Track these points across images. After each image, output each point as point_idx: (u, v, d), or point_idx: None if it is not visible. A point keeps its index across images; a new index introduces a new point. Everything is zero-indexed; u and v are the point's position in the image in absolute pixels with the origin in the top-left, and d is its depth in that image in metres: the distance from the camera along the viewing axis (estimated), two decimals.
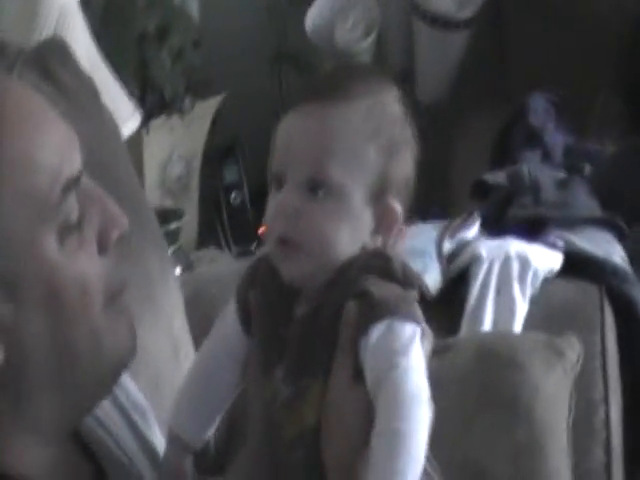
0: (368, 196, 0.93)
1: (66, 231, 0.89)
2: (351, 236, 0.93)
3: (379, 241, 0.94)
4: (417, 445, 0.86)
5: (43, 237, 0.88)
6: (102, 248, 0.92)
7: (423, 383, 0.88)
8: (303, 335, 0.93)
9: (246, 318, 0.98)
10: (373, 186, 0.93)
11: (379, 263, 0.93)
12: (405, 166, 0.95)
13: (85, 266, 0.90)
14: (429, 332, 0.93)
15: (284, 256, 0.93)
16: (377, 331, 0.89)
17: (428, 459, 0.90)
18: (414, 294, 0.93)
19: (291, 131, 0.94)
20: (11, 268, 0.87)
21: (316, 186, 0.92)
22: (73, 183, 0.90)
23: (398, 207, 0.94)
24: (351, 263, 0.93)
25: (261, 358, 0.96)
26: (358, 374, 0.90)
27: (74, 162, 0.91)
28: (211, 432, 1.04)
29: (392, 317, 0.89)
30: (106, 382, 0.96)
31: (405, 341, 0.89)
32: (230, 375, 1.01)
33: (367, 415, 0.88)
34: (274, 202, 0.93)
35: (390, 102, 0.95)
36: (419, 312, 0.92)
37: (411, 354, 0.89)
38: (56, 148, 0.89)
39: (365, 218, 0.93)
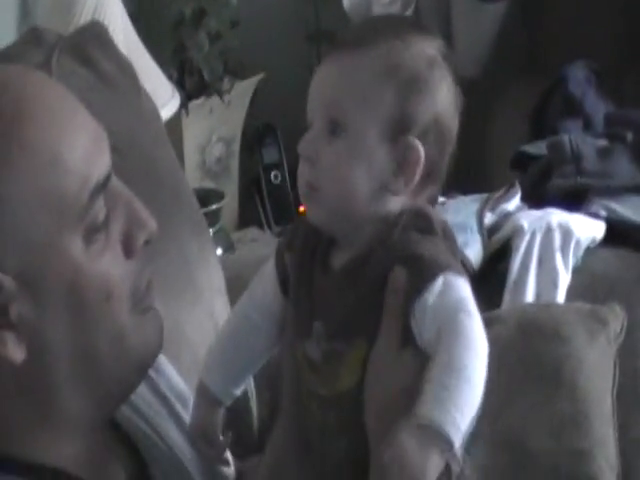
0: (384, 133, 0.93)
1: (92, 233, 0.88)
2: (367, 173, 0.93)
3: (402, 183, 0.93)
4: (479, 380, 0.86)
5: (68, 238, 0.87)
6: (128, 251, 0.91)
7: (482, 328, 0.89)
8: (340, 292, 0.94)
9: (284, 280, 0.99)
10: (390, 123, 0.93)
11: (420, 222, 0.93)
12: (431, 105, 0.93)
13: (109, 268, 0.89)
14: None
15: (308, 200, 0.95)
16: (435, 289, 0.89)
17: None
18: (453, 246, 0.95)
19: (316, 79, 0.96)
20: (34, 266, 0.87)
21: (334, 127, 0.93)
22: (101, 186, 0.89)
23: (419, 146, 0.93)
24: (393, 223, 0.93)
25: (295, 318, 0.97)
26: (405, 340, 0.90)
27: (103, 165, 0.90)
28: (241, 389, 1.04)
29: (446, 273, 0.90)
30: (131, 379, 0.96)
31: (464, 292, 0.90)
32: (265, 334, 1.02)
33: (413, 379, 0.89)
34: (301, 143, 0.95)
35: (418, 43, 0.94)
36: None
37: (472, 301, 0.90)
38: (85, 151, 0.89)
39: (380, 155, 0.93)
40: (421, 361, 0.89)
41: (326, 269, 0.95)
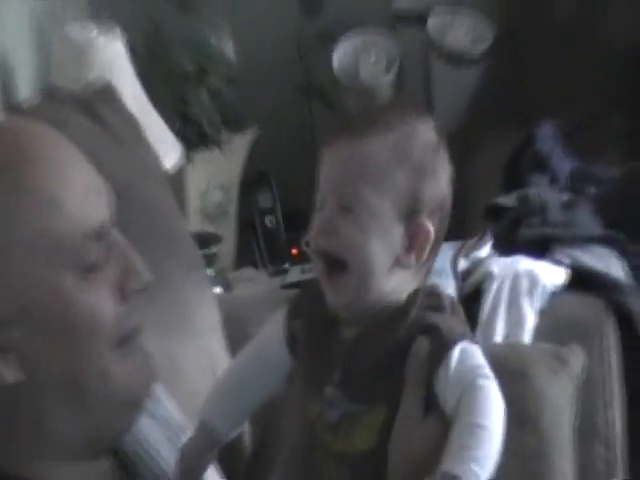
0: (399, 213, 0.93)
1: (84, 273, 0.89)
2: (383, 248, 0.93)
3: (412, 258, 0.94)
4: (497, 437, 0.87)
5: (60, 274, 0.88)
6: (120, 295, 0.91)
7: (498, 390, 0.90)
8: (356, 360, 0.94)
9: (292, 342, 0.99)
10: (404, 205, 0.93)
11: (433, 301, 0.94)
12: (437, 189, 0.94)
13: (99, 305, 0.89)
14: None
15: (330, 280, 0.94)
16: (455, 356, 0.90)
17: None
18: (462, 319, 0.96)
19: (329, 162, 0.96)
20: (28, 298, 0.87)
21: (350, 206, 0.93)
22: (97, 233, 0.90)
23: (430, 226, 0.94)
24: (410, 301, 0.94)
25: (309, 382, 0.97)
26: (429, 405, 0.91)
27: (99, 213, 0.91)
28: (236, 431, 1.04)
29: (463, 341, 0.91)
30: (122, 416, 0.95)
31: (479, 358, 0.91)
32: (266, 384, 1.02)
33: (437, 442, 0.89)
34: (315, 221, 0.95)
35: (422, 131, 0.95)
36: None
37: (487, 366, 0.90)
38: (81, 198, 0.90)
39: (395, 233, 0.93)
40: (443, 424, 0.89)
41: (337, 337, 0.96)
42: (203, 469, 1.01)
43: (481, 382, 0.88)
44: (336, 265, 0.93)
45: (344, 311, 0.95)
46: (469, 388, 0.88)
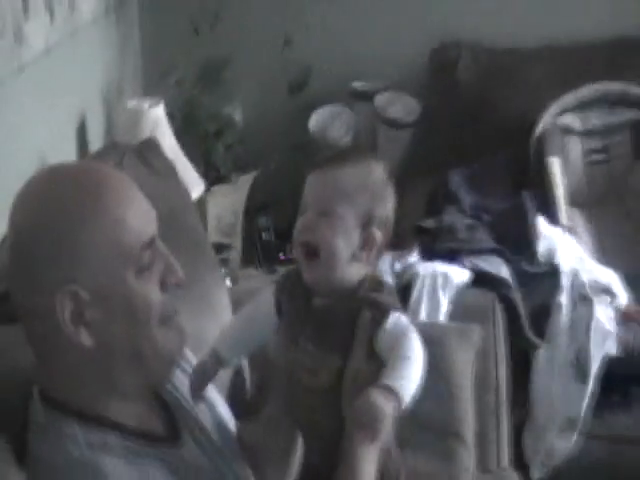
0: (358, 223, 0.95)
1: (141, 270, 0.89)
2: (345, 244, 0.95)
3: (364, 255, 0.96)
4: (419, 366, 0.90)
5: (125, 271, 0.88)
6: (163, 287, 0.92)
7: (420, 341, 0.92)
8: (321, 323, 0.95)
9: (279, 307, 1.00)
10: (361, 217, 0.95)
11: (375, 285, 0.96)
12: (385, 210, 0.96)
13: (150, 294, 0.90)
14: None
15: (307, 263, 0.95)
16: (390, 322, 0.92)
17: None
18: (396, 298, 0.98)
19: (312, 184, 0.97)
20: (103, 286, 0.87)
21: (326, 212, 0.95)
22: (149, 243, 0.90)
23: (379, 234, 0.96)
24: (359, 285, 0.95)
25: (289, 335, 0.97)
26: (370, 354, 0.92)
27: (150, 229, 0.91)
28: (235, 361, 1.04)
29: (395, 312, 0.93)
30: (165, 370, 0.96)
31: (407, 323, 0.93)
32: (260, 332, 1.02)
33: (375, 376, 0.90)
34: (300, 221, 0.96)
35: (375, 169, 0.97)
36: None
37: (412, 327, 0.93)
38: (140, 218, 0.90)
39: (354, 236, 0.95)
40: (378, 366, 0.91)
41: (310, 305, 0.97)
42: (207, 382, 1.01)
43: (409, 333, 0.91)
44: (312, 253, 0.95)
45: (316, 287, 0.96)
46: (400, 337, 0.91)
